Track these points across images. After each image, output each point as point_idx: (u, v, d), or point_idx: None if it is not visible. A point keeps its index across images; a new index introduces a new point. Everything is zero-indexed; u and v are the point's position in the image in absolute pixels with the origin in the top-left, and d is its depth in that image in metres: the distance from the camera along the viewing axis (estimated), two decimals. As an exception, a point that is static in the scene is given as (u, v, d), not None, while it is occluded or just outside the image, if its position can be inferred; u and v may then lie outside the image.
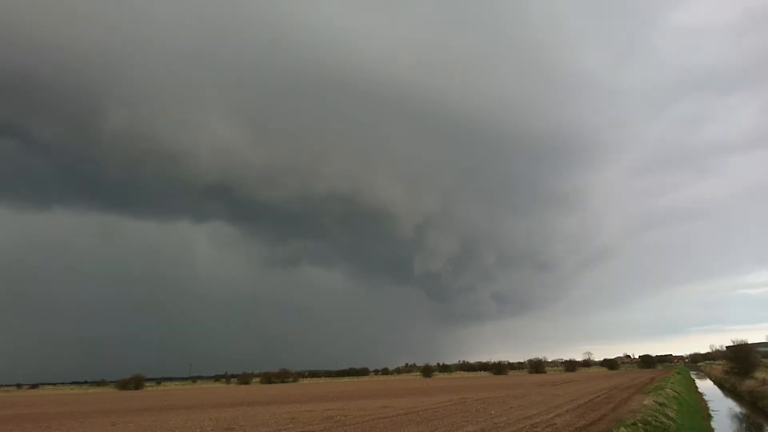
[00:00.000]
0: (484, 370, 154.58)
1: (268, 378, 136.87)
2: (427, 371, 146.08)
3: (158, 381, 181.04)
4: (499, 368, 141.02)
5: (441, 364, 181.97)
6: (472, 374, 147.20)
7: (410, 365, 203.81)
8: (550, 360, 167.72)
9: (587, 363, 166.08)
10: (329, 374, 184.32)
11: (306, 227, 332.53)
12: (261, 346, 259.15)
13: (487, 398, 36.13)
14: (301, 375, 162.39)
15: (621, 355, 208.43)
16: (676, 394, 38.88)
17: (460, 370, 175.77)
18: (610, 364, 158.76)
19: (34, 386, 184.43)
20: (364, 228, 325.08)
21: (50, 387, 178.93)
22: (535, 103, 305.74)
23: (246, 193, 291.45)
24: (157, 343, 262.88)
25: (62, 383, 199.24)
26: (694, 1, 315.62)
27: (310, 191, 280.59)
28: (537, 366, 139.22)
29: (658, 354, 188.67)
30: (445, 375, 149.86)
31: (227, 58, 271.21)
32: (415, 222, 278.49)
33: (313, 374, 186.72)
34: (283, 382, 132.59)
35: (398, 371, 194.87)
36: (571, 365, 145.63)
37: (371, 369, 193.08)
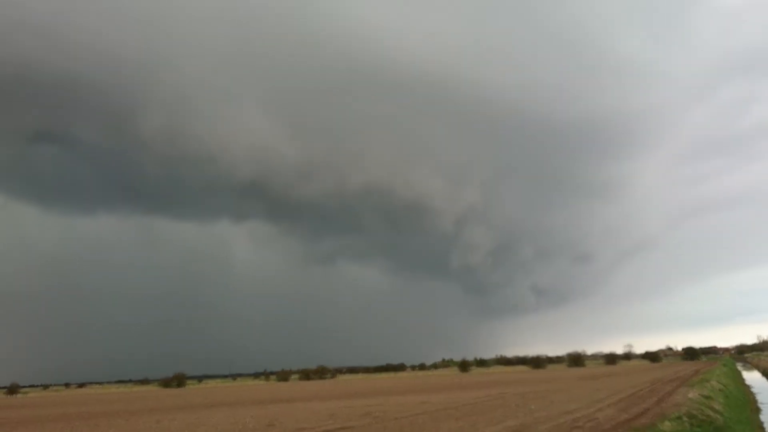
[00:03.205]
0: (523, 364, 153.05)
1: (306, 375, 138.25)
2: (464, 366, 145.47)
3: (200, 379, 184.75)
4: (537, 362, 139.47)
5: (478, 358, 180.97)
6: (510, 368, 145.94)
7: (447, 360, 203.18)
8: (589, 353, 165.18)
9: (628, 356, 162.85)
10: (367, 370, 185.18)
11: (343, 223, 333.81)
12: (299, 343, 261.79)
13: (527, 393, 35.78)
14: (339, 371, 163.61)
15: (663, 348, 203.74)
16: (722, 386, 37.84)
17: (497, 364, 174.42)
18: (652, 356, 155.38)
19: (81, 385, 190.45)
20: (401, 223, 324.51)
21: (97, 386, 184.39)
22: (573, 91, 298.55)
23: (282, 191, 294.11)
24: (199, 342, 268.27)
25: (108, 382, 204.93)
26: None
27: (346, 187, 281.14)
28: (576, 359, 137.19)
29: (703, 346, 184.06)
30: (483, 369, 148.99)
31: (261, 54, 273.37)
32: (453, 216, 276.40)
33: (351, 370, 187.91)
34: (321, 378, 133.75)
35: (435, 366, 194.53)
36: (611, 358, 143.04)
37: (408, 364, 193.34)
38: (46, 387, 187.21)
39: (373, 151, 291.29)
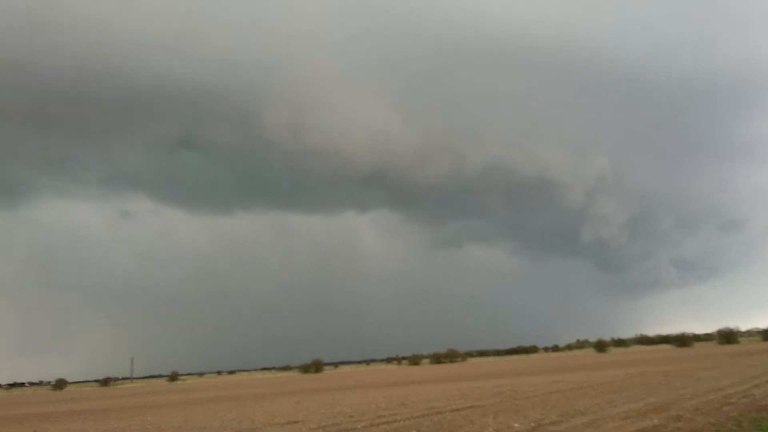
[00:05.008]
0: (666, 342, 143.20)
1: (437, 358, 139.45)
2: (600, 346, 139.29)
3: (335, 365, 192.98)
4: (682, 340, 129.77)
5: (616, 338, 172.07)
6: (651, 347, 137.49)
7: (582, 341, 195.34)
8: (743, 330, 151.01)
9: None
10: (497, 353, 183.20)
11: (465, 205, 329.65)
12: (429, 327, 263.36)
13: (671, 371, 33.56)
14: (469, 354, 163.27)
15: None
16: None
17: (637, 343, 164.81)
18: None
19: (231, 373, 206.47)
20: (525, 201, 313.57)
21: (244, 373, 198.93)
22: (708, 39, 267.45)
23: (404, 177, 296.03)
24: (333, 330, 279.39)
25: (254, 369, 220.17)
26: None
27: (466, 168, 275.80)
28: (728, 336, 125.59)
29: None
30: (621, 349, 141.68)
31: (372, 40, 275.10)
32: (581, 189, 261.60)
33: (482, 353, 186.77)
34: (451, 361, 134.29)
35: (569, 347, 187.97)
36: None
37: (540, 346, 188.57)
38: (201, 375, 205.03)
39: (491, 127, 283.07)
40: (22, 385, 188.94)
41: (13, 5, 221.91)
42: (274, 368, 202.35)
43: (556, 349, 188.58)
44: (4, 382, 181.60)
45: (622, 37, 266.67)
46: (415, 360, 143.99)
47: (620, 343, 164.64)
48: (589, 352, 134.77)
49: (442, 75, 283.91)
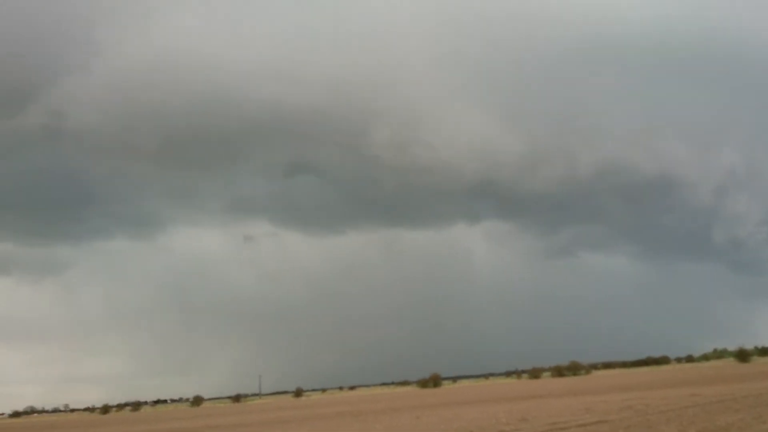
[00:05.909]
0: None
1: (558, 371, 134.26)
2: (742, 355, 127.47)
3: (454, 379, 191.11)
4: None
5: (760, 347, 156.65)
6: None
7: (720, 350, 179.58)
8: None
9: None
10: (624, 365, 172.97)
11: (580, 210, 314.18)
12: (548, 340, 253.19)
13: (829, 381, 30.06)
14: (594, 367, 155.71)
15: None
16: None
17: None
18: None
19: (352, 388, 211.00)
20: (646, 202, 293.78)
21: (364, 388, 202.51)
22: None
23: (513, 186, 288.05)
24: (450, 344, 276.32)
25: (374, 384, 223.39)
26: None
27: (579, 170, 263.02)
28: None
29: None
30: (767, 359, 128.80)
31: (473, 46, 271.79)
32: (708, 185, 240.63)
33: (607, 365, 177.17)
34: (574, 374, 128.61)
35: (705, 357, 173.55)
36: None
37: (672, 357, 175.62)
38: (324, 390, 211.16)
39: (605, 126, 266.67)
40: (164, 401, 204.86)
41: (140, 52, 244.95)
42: (392, 383, 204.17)
43: (690, 359, 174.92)
44: (149, 399, 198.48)
45: (749, 22, 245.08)
46: (535, 373, 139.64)
47: (765, 351, 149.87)
48: (729, 362, 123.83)
49: (550, 75, 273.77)
